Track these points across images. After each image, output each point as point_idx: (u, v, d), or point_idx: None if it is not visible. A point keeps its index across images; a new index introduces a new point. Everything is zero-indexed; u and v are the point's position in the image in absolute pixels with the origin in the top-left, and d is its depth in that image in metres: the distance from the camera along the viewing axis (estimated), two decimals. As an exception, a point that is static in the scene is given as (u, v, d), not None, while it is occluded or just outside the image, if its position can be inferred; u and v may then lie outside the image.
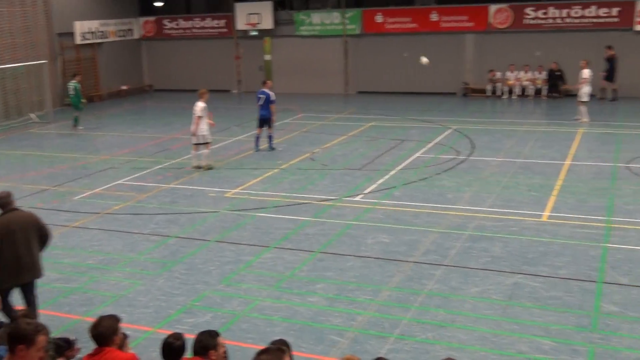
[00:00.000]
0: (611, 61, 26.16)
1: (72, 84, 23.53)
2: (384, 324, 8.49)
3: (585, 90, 21.72)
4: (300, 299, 9.27)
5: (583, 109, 21.82)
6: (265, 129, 18.75)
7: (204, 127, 16.51)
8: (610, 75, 26.29)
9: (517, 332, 8.17)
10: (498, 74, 28.26)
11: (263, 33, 32.34)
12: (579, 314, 8.57)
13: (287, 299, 9.30)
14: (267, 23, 31.75)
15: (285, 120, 23.63)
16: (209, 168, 16.71)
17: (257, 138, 18.89)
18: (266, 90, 18.66)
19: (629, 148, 17.74)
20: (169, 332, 5.76)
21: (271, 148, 18.75)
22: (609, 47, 26.11)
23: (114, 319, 5.50)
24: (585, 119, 21.71)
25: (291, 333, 8.21)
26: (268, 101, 18.45)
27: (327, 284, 9.73)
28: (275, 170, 16.55)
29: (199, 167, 16.70)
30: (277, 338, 5.63)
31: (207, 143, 16.78)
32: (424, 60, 22.99)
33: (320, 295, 9.39)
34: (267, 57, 33.05)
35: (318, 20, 31.32)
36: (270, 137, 18.84)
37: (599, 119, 22.22)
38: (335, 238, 11.64)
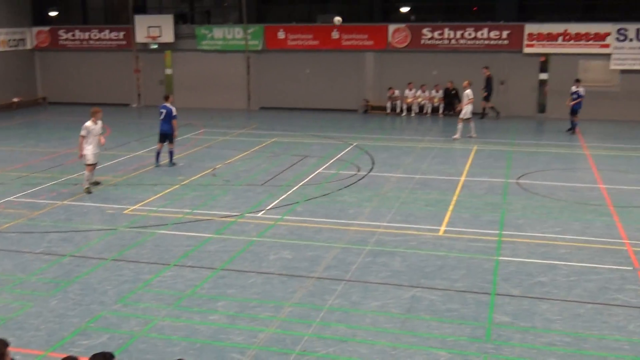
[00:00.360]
0: (488, 81, 27.43)
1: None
2: (286, 340, 8.48)
3: (468, 109, 22.63)
4: (201, 318, 9.13)
5: (460, 126, 22.71)
6: (166, 144, 18.43)
7: (88, 148, 15.46)
8: (488, 95, 27.57)
9: (415, 345, 8.36)
10: (397, 92, 29.03)
11: (164, 46, 31.88)
12: (474, 325, 8.87)
13: (187, 317, 9.14)
14: (168, 36, 31.32)
15: (186, 136, 23.31)
16: (88, 191, 15.58)
17: (158, 153, 18.53)
18: (168, 105, 18.39)
19: (519, 165, 18.62)
20: (63, 355, 5.54)
21: (172, 163, 18.45)
22: (486, 68, 27.39)
23: (1, 343, 5.23)
24: (458, 136, 22.74)
25: (191, 352, 8.06)
26: (170, 116, 18.17)
27: (228, 302, 9.63)
28: (176, 186, 16.28)
29: (88, 190, 15.67)
30: (177, 358, 5.52)
31: (90, 165, 15.59)
32: (337, 20, 23.76)
33: (221, 313, 9.28)
34: (168, 71, 32.60)
35: (220, 35, 31.20)
36: (171, 153, 18.54)
37: (492, 137, 23.22)
38: (237, 255, 11.55)
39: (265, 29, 30.63)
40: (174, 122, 18.19)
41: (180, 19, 32.23)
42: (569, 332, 8.63)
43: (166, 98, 18.83)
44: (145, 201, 14.97)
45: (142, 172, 17.83)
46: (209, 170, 18.01)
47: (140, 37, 31.58)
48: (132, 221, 13.49)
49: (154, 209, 14.38)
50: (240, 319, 9.08)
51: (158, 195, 15.49)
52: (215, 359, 8.00)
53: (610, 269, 10.79)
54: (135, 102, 32.71)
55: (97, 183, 16.16)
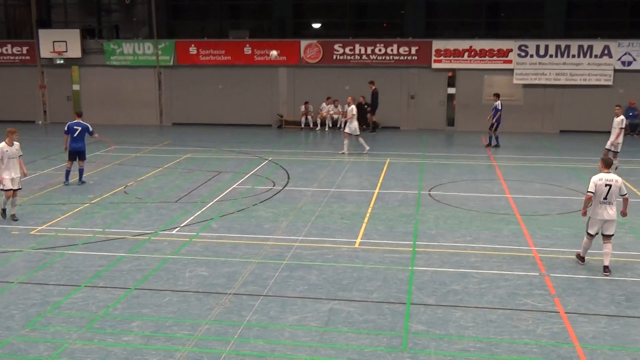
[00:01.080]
0: (374, 96, 28.14)
1: None
2: (204, 358, 8.34)
3: (354, 125, 22.82)
4: (114, 339, 8.85)
5: (347, 141, 22.99)
6: (76, 162, 17.88)
7: (5, 172, 14.09)
8: (373, 109, 28.26)
9: (334, 357, 8.39)
10: (311, 107, 29.27)
11: (70, 62, 31.00)
12: (391, 335, 8.99)
13: (100, 339, 8.84)
14: (75, 52, 30.49)
15: (96, 153, 22.69)
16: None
17: (68, 172, 17.93)
18: (82, 122, 17.90)
19: (431, 177, 19.11)
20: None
21: (81, 182, 17.89)
22: (371, 82, 28.09)
23: None
24: (345, 151, 22.95)
25: (105, 376, 7.80)
26: (85, 132, 17.70)
27: (143, 322, 9.39)
28: (86, 205, 15.78)
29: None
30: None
31: (8, 191, 14.23)
32: (273, 54, 23.82)
33: (135, 333, 9.03)
34: (76, 86, 31.69)
35: (130, 50, 30.64)
36: (81, 171, 18.00)
37: (404, 150, 23.73)
38: (152, 273, 11.29)
39: (177, 44, 30.30)
40: (96, 135, 18.19)
41: (87, 34, 31.42)
42: (482, 338, 8.88)
43: (79, 115, 18.29)
44: (53, 221, 14.44)
45: (50, 191, 17.20)
46: (121, 188, 17.57)
47: (45, 52, 30.60)
48: (39, 242, 12.97)
49: (63, 228, 13.88)
50: (155, 339, 8.87)
51: (67, 214, 14.97)
52: (131, 381, 7.78)
53: (518, 275, 11.19)
54: (41, 119, 31.58)
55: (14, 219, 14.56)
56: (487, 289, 10.59)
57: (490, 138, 24.81)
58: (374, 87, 28.04)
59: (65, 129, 17.87)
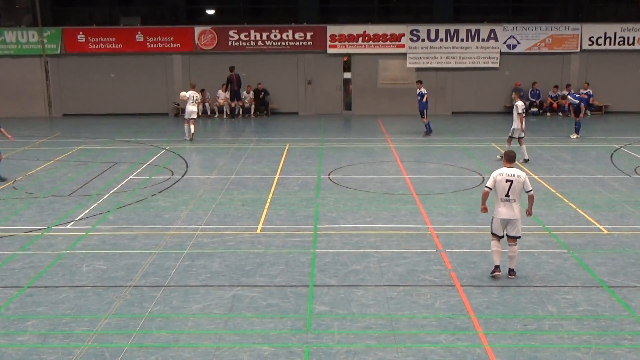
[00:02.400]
0: (230, 80, 28.45)
1: None
2: (105, 353, 8.13)
3: (189, 109, 22.50)
4: (8, 340, 8.48)
5: (186, 127, 22.78)
6: None
7: None
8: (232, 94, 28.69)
9: (239, 343, 8.39)
10: (208, 95, 28.88)
11: (-52, 52, 29.14)
12: (295, 318, 9.09)
13: (-7, 341, 8.45)
14: (-48, 40, 28.66)
15: (-20, 147, 21.51)
16: None
17: None
18: None
19: (329, 160, 19.33)
20: None
21: None
22: (231, 68, 28.38)
23: None
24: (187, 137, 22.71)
25: (-1, 378, 7.48)
26: None
27: (38, 320, 9.04)
28: (-29, 202, 14.97)
29: None
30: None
31: None
32: (183, 94, 22.99)
33: (31, 332, 8.69)
34: (-45, 78, 29.85)
35: (13, 38, 29.15)
36: None
37: (302, 135, 23.87)
38: (46, 270, 10.87)
39: (63, 32, 29.07)
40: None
41: (-35, 22, 29.65)
42: (383, 315, 9.13)
43: None
44: (-64, 221, 13.63)
45: None
46: (10, 183, 16.77)
47: None
48: None
49: (-53, 228, 13.12)
50: (53, 337, 8.56)
51: (-50, 213, 14.16)
52: (27, 381, 7.49)
53: (416, 253, 11.54)
54: None
55: None
56: (387, 268, 10.87)
57: (426, 126, 23.65)
58: (232, 73, 28.18)
59: None
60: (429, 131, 23.76)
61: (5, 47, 29.14)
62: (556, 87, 28.80)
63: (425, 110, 23.47)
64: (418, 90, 23.53)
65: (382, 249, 11.77)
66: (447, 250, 11.62)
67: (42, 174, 17.94)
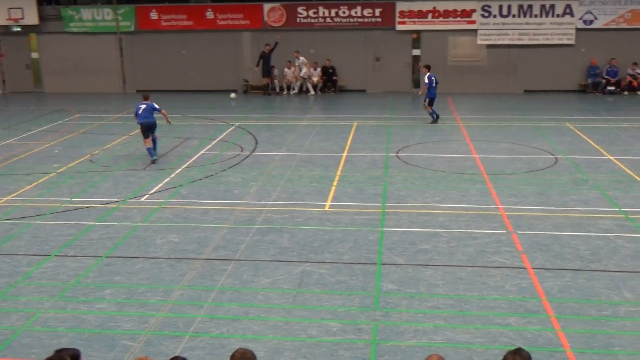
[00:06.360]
0: (265, 56, 28.22)
1: None
2: (178, 323, 8.38)
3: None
4: (88, 307, 8.84)
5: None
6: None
7: None
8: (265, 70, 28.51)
9: (307, 318, 8.50)
10: (276, 71, 29.04)
11: (28, 29, 30.18)
12: (363, 295, 9.14)
13: (73, 308, 8.82)
14: (32, 18, 29.64)
15: (60, 122, 22.34)
16: None
17: (149, 149, 16.78)
18: (149, 103, 16.83)
19: (398, 139, 19.20)
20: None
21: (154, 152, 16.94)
22: (267, 44, 28.14)
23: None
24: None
25: (79, 343, 7.80)
26: (152, 110, 16.69)
27: (115, 289, 9.38)
28: (52, 175, 15.57)
29: None
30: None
31: None
32: (233, 95, 23.27)
33: (108, 301, 9.03)
34: (34, 54, 30.93)
35: (89, 16, 29.92)
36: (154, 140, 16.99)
37: (370, 113, 23.76)
38: (122, 241, 11.25)
39: (137, 10, 29.66)
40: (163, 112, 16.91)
41: (44, 0, 30.58)
42: (452, 295, 9.07)
43: (146, 98, 17.20)
44: (19, 191, 14.23)
45: (14, 162, 16.91)
46: (87, 157, 17.35)
47: (1, 19, 29.71)
48: (5, 212, 12.79)
49: (29, 199, 13.69)
50: (129, 306, 8.88)
51: (32, 184, 14.76)
52: (106, 347, 7.80)
53: (486, 234, 11.39)
54: (0, 88, 30.85)
55: None
56: (456, 248, 10.78)
57: (431, 114, 21.60)
58: (268, 48, 28.11)
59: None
60: (434, 120, 21.56)
61: (82, 25, 29.96)
62: (635, 64, 27.68)
63: (432, 99, 21.34)
64: (425, 75, 21.62)
65: (451, 228, 11.67)
66: (518, 232, 11.43)
67: (117, 148, 18.47)
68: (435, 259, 10.33)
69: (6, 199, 13.73)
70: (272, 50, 27.91)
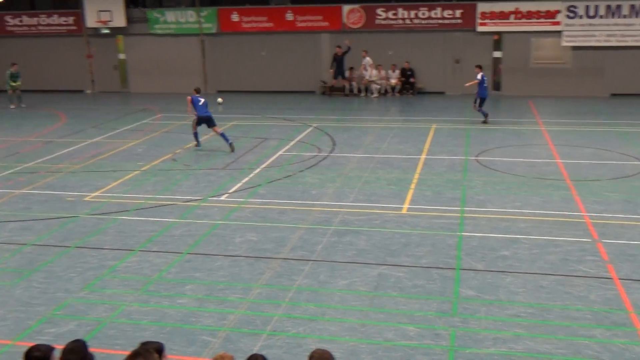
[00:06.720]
0: (337, 59, 27.98)
1: None
2: (256, 321, 8.51)
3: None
4: (169, 301, 9.09)
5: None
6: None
7: None
8: (335, 73, 28.27)
9: (384, 321, 8.47)
10: (355, 73, 29.06)
11: (115, 31, 31.27)
12: (440, 300, 9.03)
13: (156, 302, 9.08)
14: (119, 21, 30.71)
15: (144, 121, 23.03)
16: None
17: (196, 134, 18.63)
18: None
19: (477, 142, 18.88)
20: (30, 344, 5.43)
21: (229, 142, 18.11)
22: (338, 47, 27.87)
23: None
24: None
25: (161, 336, 8.01)
26: (207, 104, 18.34)
27: (196, 285, 9.60)
28: (136, 172, 16.08)
29: None
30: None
31: None
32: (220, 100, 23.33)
33: (189, 296, 9.26)
34: (122, 56, 32.01)
35: (173, 18, 30.73)
36: (223, 135, 18.33)
37: (449, 116, 23.45)
38: (203, 238, 11.50)
39: (219, 12, 30.27)
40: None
41: (131, 3, 31.61)
42: (533, 304, 8.85)
43: (197, 91, 18.53)
44: (105, 188, 14.76)
45: (100, 159, 17.55)
46: (169, 155, 17.83)
47: (91, 21, 30.91)
48: (92, 208, 13.30)
49: (115, 195, 14.19)
50: (209, 302, 9.07)
51: (118, 181, 15.29)
52: (186, 341, 7.99)
53: (569, 242, 11.06)
54: (89, 88, 32.08)
55: None
56: (537, 255, 10.51)
57: (483, 114, 21.82)
58: (339, 50, 27.97)
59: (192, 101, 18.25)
60: (484, 120, 21.79)
61: (166, 27, 30.82)
62: None
63: (482, 100, 21.77)
64: (481, 74, 21.75)
65: (532, 235, 11.38)
66: (603, 241, 11.04)
67: (199, 147, 18.89)
68: (516, 266, 10.10)
69: (93, 194, 14.26)
70: (344, 53, 27.94)
